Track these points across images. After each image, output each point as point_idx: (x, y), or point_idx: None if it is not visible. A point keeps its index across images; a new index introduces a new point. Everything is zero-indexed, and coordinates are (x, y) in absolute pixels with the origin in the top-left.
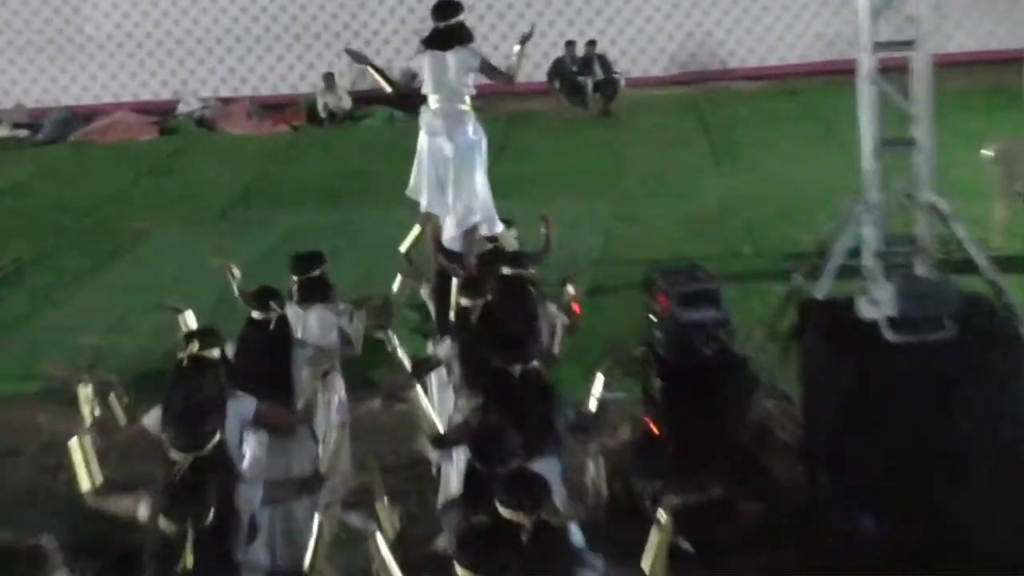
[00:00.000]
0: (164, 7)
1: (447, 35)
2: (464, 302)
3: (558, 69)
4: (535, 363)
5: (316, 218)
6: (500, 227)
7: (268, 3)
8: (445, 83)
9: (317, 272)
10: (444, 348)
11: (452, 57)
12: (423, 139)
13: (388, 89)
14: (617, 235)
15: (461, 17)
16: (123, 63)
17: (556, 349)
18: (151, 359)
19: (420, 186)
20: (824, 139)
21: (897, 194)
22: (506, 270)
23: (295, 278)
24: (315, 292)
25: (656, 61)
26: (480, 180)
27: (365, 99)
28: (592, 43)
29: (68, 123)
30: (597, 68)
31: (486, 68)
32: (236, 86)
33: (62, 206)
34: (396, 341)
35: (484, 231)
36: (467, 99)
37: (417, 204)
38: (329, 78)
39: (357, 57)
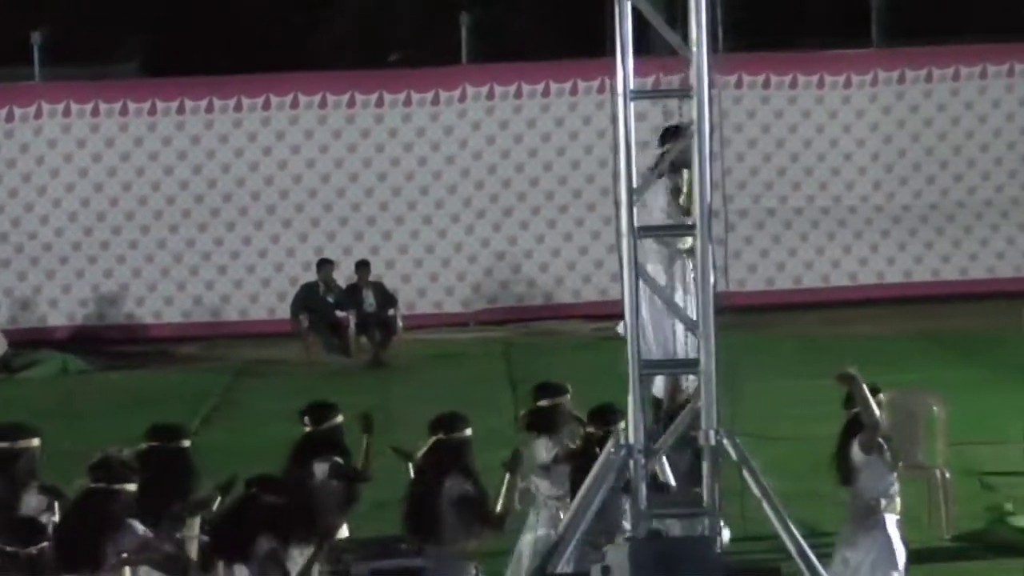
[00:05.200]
0: None
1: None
2: None
3: (307, 300)
4: None
5: None
6: None
7: None
8: None
9: None
10: None
11: None
12: None
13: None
14: None
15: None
16: None
17: None
18: None
19: None
20: None
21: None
22: None
23: None
24: None
25: (453, 292)
26: None
27: (26, 341)
28: (364, 265)
29: None
30: (369, 299)
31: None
32: None
33: None
34: None
35: None
36: None
37: None
38: None
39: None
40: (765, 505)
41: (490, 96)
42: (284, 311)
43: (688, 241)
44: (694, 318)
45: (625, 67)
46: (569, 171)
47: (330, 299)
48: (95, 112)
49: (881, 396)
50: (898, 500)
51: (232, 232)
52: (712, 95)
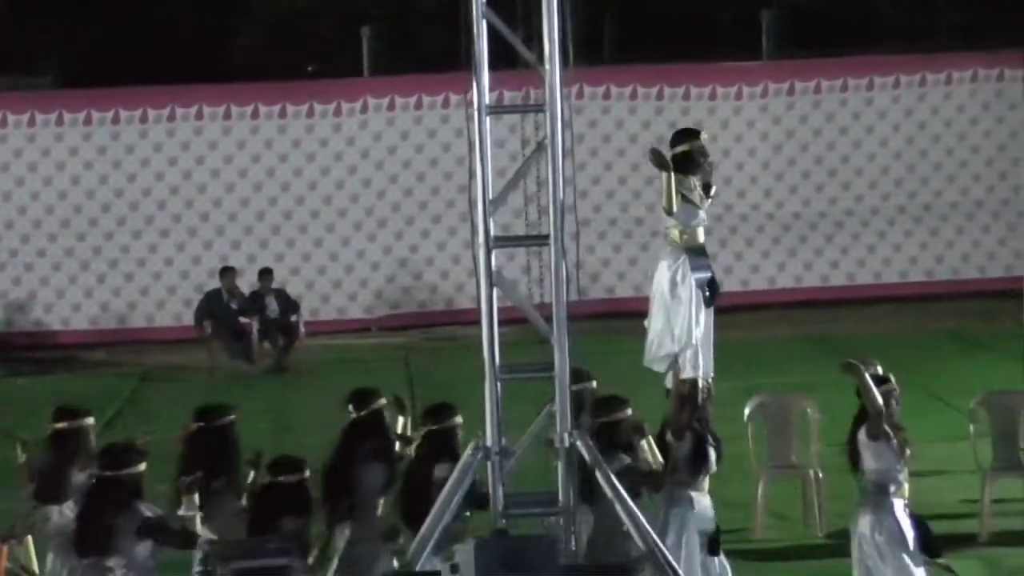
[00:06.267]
0: None
1: None
2: None
3: (210, 307)
4: None
5: None
6: None
7: None
8: None
9: None
10: None
11: None
12: None
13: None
14: None
15: None
16: None
17: None
18: None
19: None
20: None
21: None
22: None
23: None
24: None
25: (356, 298)
26: None
27: None
28: (266, 272)
29: None
30: (272, 306)
31: None
32: None
33: None
34: None
35: None
36: None
37: None
38: None
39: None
40: (617, 506)
41: (391, 107)
42: (190, 317)
43: (701, 235)
44: (694, 311)
45: (480, 82)
46: (467, 180)
47: (233, 305)
48: (3, 123)
49: (889, 386)
50: (906, 486)
51: (138, 240)
52: (564, 108)
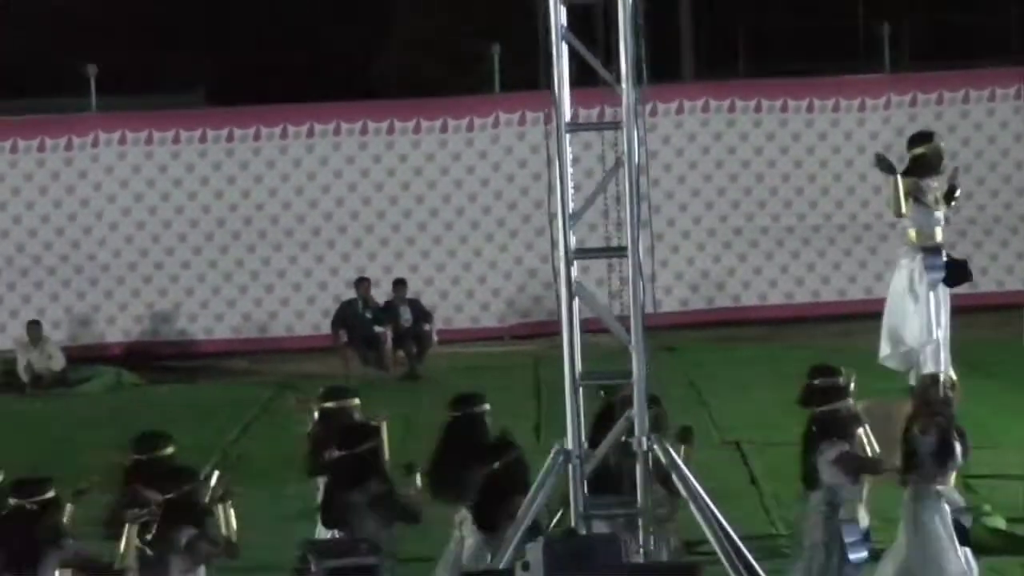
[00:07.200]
0: None
1: None
2: None
3: (346, 316)
4: None
5: None
6: None
7: None
8: None
9: None
10: None
11: None
12: None
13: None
14: None
15: None
16: None
17: None
18: None
19: None
20: None
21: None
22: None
23: None
24: None
25: (488, 308)
26: None
27: (84, 357)
28: (400, 282)
29: None
30: (405, 315)
31: None
32: None
33: None
34: None
35: None
36: None
37: None
38: (35, 328)
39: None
40: (693, 507)
41: (521, 122)
42: (328, 327)
43: (939, 234)
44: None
45: (560, 100)
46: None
47: (368, 315)
48: (149, 140)
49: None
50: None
51: (279, 252)
52: (639, 125)
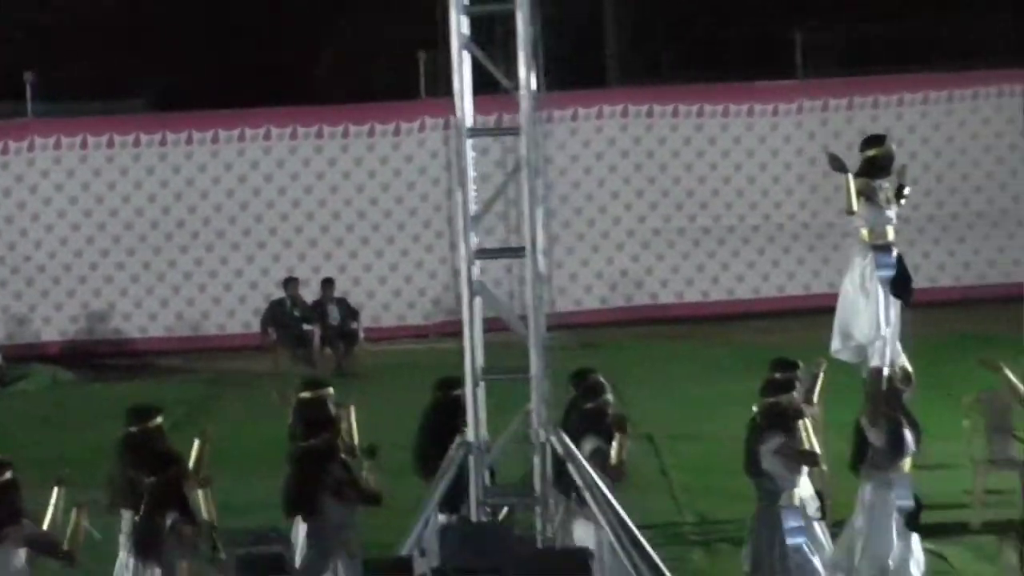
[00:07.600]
0: None
1: None
2: None
3: (275, 315)
4: None
5: None
6: None
7: None
8: None
9: None
10: None
11: None
12: None
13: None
14: None
15: None
16: None
17: None
18: None
19: None
20: None
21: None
22: None
23: None
24: None
25: (415, 306)
26: None
27: (20, 356)
28: (328, 282)
29: None
30: (334, 314)
31: None
32: None
33: None
34: None
35: None
36: None
37: None
38: None
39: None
40: (587, 495)
41: (447, 127)
42: (258, 326)
43: (890, 233)
44: (882, 306)
45: (463, 106)
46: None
47: (296, 314)
48: (83, 145)
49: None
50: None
51: (211, 253)
52: (536, 130)
